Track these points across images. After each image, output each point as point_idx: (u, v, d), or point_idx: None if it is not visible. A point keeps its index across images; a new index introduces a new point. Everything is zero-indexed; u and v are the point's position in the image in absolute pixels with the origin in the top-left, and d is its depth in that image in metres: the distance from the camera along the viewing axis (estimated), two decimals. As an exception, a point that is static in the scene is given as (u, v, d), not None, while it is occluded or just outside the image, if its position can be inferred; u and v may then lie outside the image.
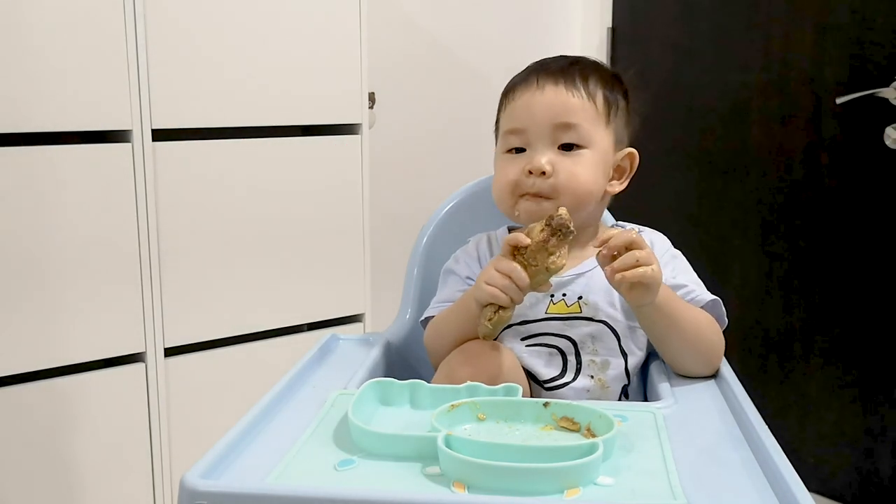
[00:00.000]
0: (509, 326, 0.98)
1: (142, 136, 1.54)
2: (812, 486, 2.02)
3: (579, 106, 0.98)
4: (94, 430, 1.55)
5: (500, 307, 0.90)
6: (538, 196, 0.97)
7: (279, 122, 1.71)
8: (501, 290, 0.88)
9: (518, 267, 0.88)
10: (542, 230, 0.87)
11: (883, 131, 1.85)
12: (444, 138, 2.39)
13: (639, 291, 0.88)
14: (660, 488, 0.65)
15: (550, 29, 2.54)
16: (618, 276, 0.87)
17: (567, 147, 0.97)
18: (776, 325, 2.12)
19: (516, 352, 0.98)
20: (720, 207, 2.22)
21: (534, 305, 0.99)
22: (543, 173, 0.95)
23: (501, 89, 1.05)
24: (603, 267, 0.89)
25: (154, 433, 1.62)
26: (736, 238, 2.19)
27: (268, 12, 1.66)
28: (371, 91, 1.85)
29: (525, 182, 0.97)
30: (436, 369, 0.97)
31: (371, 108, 1.86)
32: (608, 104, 1.00)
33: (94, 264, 1.51)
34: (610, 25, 2.49)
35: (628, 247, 0.88)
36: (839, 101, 1.90)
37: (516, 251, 0.89)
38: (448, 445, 0.68)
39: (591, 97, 0.99)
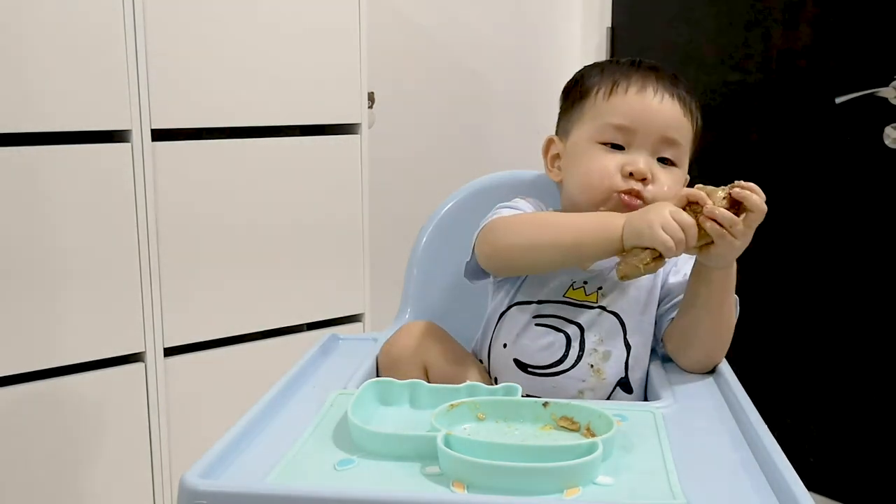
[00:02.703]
0: (527, 303, 0.99)
1: (141, 136, 1.54)
2: (812, 486, 2.02)
3: (686, 126, 1.01)
4: (93, 430, 1.55)
5: (660, 255, 0.86)
6: (634, 196, 0.97)
7: (279, 122, 1.71)
8: (675, 242, 0.84)
9: (695, 225, 0.85)
10: (725, 198, 0.85)
11: (882, 131, 1.85)
12: (444, 138, 2.39)
13: (707, 252, 0.88)
14: (659, 488, 0.66)
15: (550, 29, 2.54)
16: (707, 223, 0.85)
17: (662, 160, 1.00)
18: (776, 324, 2.12)
19: (520, 329, 0.98)
20: (720, 207, 2.22)
21: (554, 288, 1.00)
22: (644, 179, 0.97)
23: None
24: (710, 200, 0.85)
25: (154, 433, 1.62)
26: (736, 238, 2.19)
27: (267, 12, 1.66)
28: (371, 91, 1.85)
29: (620, 182, 0.98)
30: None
31: (371, 108, 1.86)
32: (698, 130, 1.03)
33: (93, 264, 1.51)
34: (610, 25, 2.49)
35: (746, 211, 0.85)
36: (839, 100, 1.90)
37: (688, 206, 0.87)
38: (447, 445, 0.68)
39: (695, 121, 1.02)
